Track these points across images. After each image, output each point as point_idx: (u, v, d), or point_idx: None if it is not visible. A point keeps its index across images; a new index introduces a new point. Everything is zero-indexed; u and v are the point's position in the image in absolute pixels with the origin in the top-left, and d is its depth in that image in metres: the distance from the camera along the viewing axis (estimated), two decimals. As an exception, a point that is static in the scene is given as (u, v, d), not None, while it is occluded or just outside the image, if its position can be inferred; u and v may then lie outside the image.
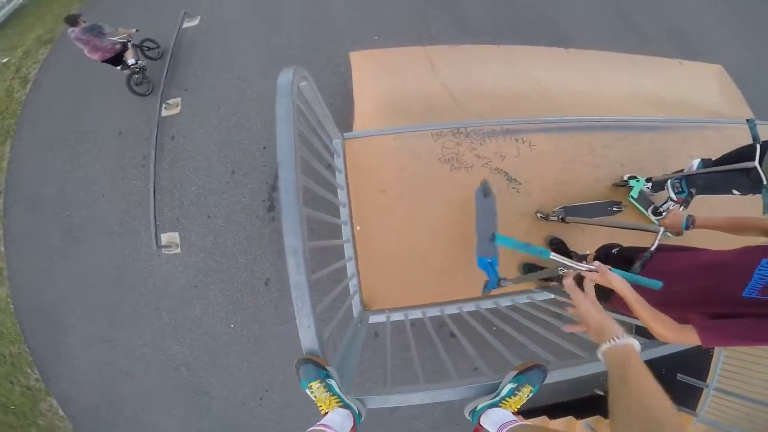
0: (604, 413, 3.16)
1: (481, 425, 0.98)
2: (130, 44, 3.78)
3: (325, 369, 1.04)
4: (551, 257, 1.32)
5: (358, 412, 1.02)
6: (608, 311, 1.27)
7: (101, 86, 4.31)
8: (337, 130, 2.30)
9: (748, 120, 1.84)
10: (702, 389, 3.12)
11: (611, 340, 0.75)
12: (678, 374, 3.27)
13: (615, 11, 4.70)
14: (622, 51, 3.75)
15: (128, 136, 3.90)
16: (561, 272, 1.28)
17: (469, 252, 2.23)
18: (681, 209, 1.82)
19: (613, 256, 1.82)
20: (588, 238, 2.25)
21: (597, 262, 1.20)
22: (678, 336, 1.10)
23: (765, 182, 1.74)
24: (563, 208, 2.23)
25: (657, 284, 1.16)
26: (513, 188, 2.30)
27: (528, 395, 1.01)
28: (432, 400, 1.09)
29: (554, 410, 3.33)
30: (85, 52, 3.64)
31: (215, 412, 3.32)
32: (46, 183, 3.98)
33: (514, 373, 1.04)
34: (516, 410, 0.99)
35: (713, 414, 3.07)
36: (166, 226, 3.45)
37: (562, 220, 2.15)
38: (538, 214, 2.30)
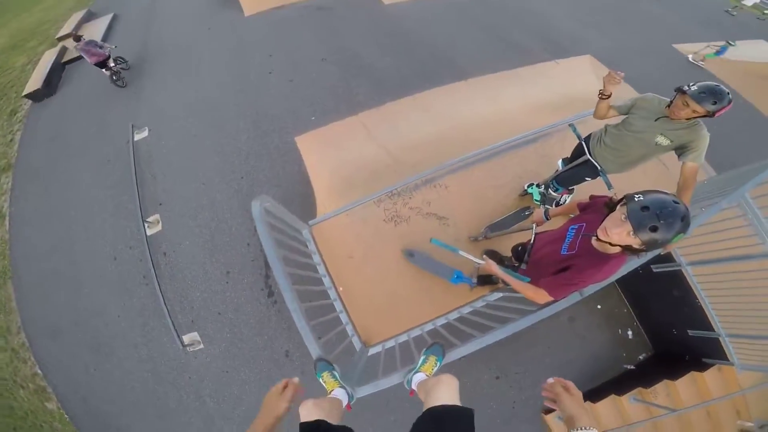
0: (643, 383, 3.45)
1: (413, 388, 1.50)
2: (111, 54, 5.88)
3: (332, 365, 1.65)
4: (459, 253, 2.06)
5: (351, 394, 1.58)
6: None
7: (81, 213, 4.66)
8: (302, 223, 2.99)
9: (570, 125, 2.43)
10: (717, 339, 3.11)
11: (580, 429, 0.85)
12: (689, 331, 3.35)
13: (494, 35, 5.56)
14: (508, 67, 4.40)
15: (123, 259, 4.38)
16: (476, 266, 2.04)
17: (428, 280, 2.99)
18: (541, 207, 2.46)
19: (519, 251, 2.52)
20: (514, 241, 2.77)
21: (485, 256, 1.96)
22: (538, 296, 1.66)
23: (600, 168, 2.30)
24: (487, 227, 2.97)
25: (525, 279, 1.84)
26: (444, 224, 3.06)
27: (435, 363, 1.59)
28: (389, 384, 1.72)
29: (594, 395, 3.54)
30: (86, 58, 5.77)
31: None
32: (59, 315, 4.36)
33: (423, 349, 1.69)
34: (431, 373, 1.53)
35: (750, 359, 3.11)
36: (184, 329, 3.98)
37: (486, 237, 2.89)
38: (471, 238, 3.02)
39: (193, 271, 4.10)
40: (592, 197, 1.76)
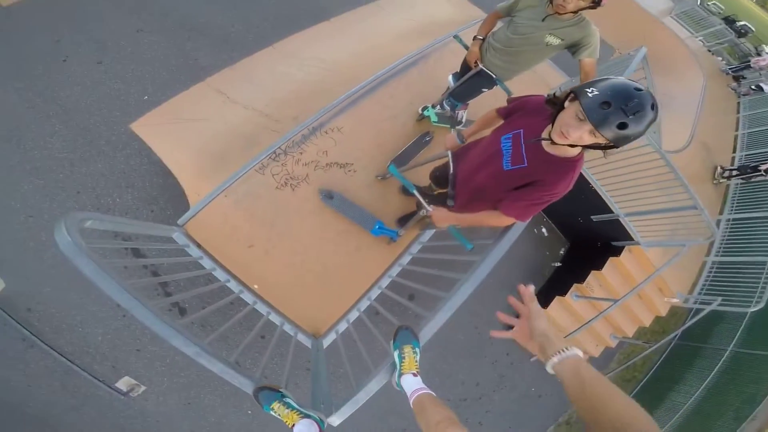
0: (576, 279, 3.70)
1: (409, 397, 1.21)
2: None
3: (279, 391, 1.25)
4: (414, 192, 1.89)
5: (320, 419, 1.22)
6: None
7: None
8: (167, 227, 2.18)
9: (455, 36, 2.23)
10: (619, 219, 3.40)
11: (560, 352, 0.73)
12: (592, 217, 3.59)
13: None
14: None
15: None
16: (423, 213, 1.84)
17: (355, 240, 2.45)
18: (452, 130, 2.19)
19: (436, 178, 2.24)
20: (424, 173, 2.47)
21: (432, 206, 1.75)
22: (498, 220, 1.47)
23: (495, 77, 2.11)
24: (392, 161, 2.51)
25: (468, 245, 1.63)
26: (349, 171, 2.46)
27: (414, 352, 1.28)
28: (369, 394, 1.33)
29: (541, 299, 3.57)
30: None
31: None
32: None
33: (391, 342, 1.34)
34: (416, 369, 1.25)
35: (648, 236, 3.40)
36: (111, 377, 3.32)
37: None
38: (378, 177, 2.56)
39: (77, 316, 3.27)
40: (512, 100, 1.51)
